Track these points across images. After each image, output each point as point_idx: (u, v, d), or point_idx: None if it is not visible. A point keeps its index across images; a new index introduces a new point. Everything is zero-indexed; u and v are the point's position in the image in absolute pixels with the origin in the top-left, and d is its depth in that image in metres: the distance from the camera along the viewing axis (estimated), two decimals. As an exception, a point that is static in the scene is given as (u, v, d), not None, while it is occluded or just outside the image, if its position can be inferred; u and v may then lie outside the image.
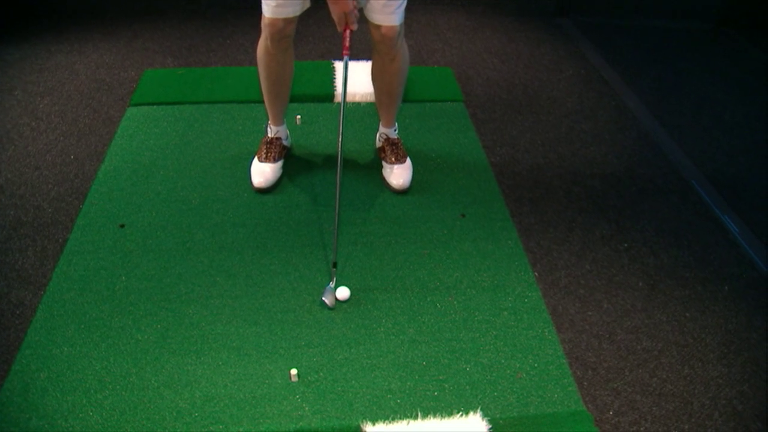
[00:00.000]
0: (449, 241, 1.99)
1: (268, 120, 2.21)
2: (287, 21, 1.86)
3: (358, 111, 2.59)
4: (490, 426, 1.47)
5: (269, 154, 2.17)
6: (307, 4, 1.89)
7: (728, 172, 2.43)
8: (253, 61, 2.96)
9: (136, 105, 2.58)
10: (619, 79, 3.01)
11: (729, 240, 2.10)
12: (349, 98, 2.65)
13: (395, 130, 2.24)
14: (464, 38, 3.29)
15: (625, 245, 2.04)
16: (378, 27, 1.90)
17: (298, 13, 1.87)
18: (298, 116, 2.50)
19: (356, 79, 2.70)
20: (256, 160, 2.19)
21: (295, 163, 2.29)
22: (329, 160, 2.32)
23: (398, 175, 2.17)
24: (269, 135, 2.20)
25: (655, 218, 2.16)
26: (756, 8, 3.57)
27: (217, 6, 3.50)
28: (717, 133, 2.67)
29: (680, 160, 2.46)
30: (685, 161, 2.46)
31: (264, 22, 1.88)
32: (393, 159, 2.19)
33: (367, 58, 2.79)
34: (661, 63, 3.24)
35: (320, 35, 3.20)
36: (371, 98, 2.60)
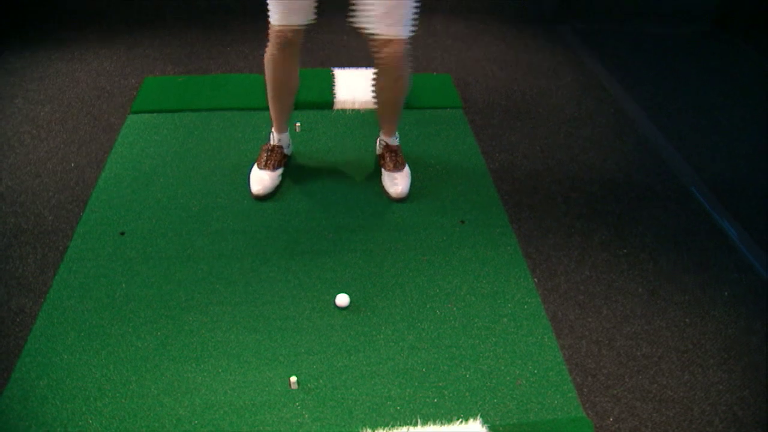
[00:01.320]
0: (448, 248, 1.99)
1: (271, 127, 2.21)
2: (294, 30, 1.86)
3: (358, 118, 2.60)
4: (490, 433, 1.47)
5: (269, 162, 2.18)
6: (312, 17, 1.86)
7: (727, 177, 2.43)
8: (253, 69, 2.98)
9: (136, 112, 2.58)
10: (618, 85, 3.02)
11: (728, 245, 2.10)
12: (348, 105, 2.66)
13: (396, 138, 2.25)
14: (463, 45, 3.30)
15: (624, 251, 2.04)
16: (381, 41, 1.80)
17: (304, 24, 1.86)
18: (298, 123, 2.51)
19: (356, 86, 2.71)
20: (255, 167, 2.20)
21: (294, 170, 2.29)
22: (328, 168, 2.32)
23: (396, 182, 2.17)
24: (271, 143, 2.21)
25: (654, 224, 2.17)
26: (751, 11, 3.58)
27: (217, 13, 3.52)
28: (716, 137, 2.68)
29: (679, 165, 2.47)
30: (684, 166, 2.46)
31: (271, 31, 1.88)
32: (391, 166, 2.19)
33: (366, 66, 2.81)
34: (659, 68, 3.25)
35: (320, 42, 3.21)
36: (371, 105, 2.61)
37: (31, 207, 2.10)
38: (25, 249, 1.94)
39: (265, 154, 2.19)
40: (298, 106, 2.53)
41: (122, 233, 1.99)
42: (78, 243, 1.95)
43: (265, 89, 2.11)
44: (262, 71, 2.92)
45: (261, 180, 2.15)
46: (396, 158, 2.21)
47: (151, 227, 2.02)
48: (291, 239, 2.00)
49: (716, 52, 3.50)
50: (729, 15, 3.66)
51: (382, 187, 2.21)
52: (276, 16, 1.84)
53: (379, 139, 2.28)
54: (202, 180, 2.23)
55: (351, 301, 1.79)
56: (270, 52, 1.97)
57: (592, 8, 3.71)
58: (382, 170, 2.23)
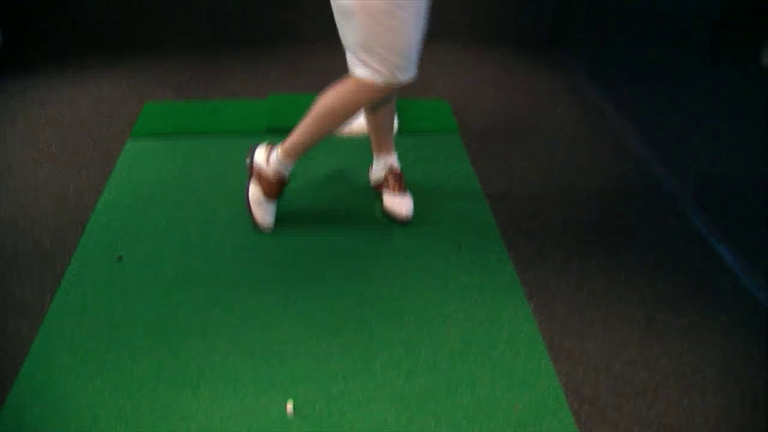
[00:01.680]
0: (445, 273, 1.99)
1: (275, 152, 2.07)
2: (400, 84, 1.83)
3: (353, 143, 2.62)
4: (487, 460, 1.46)
5: (277, 192, 2.09)
6: None
7: (725, 201, 2.44)
8: (251, 93, 3.01)
9: (136, 137, 2.61)
10: (615, 110, 3.04)
11: (726, 270, 2.10)
12: (345, 130, 2.67)
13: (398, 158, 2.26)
14: (460, 70, 3.34)
15: (622, 276, 2.05)
16: None
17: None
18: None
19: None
20: (262, 197, 2.09)
21: (292, 195, 2.30)
22: (324, 193, 2.33)
23: (403, 204, 2.18)
24: (282, 172, 2.07)
25: (652, 249, 2.17)
26: (747, 33, 3.63)
27: (217, 39, 3.56)
28: (714, 161, 2.69)
29: (676, 189, 2.48)
30: (682, 190, 2.47)
31: (372, 88, 1.82)
32: (397, 189, 2.20)
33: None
34: (656, 92, 3.29)
35: (322, 68, 3.25)
36: (364, 129, 2.63)
37: (29, 231, 2.11)
38: (23, 273, 1.94)
39: (277, 184, 2.08)
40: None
41: (120, 257, 2.00)
42: (76, 267, 1.95)
43: (307, 122, 1.99)
44: (261, 96, 2.98)
45: (269, 211, 2.10)
46: (400, 181, 2.22)
47: (149, 252, 2.02)
48: (288, 264, 2.00)
49: (713, 75, 3.54)
50: (725, 39, 3.70)
51: (385, 210, 2.22)
52: (391, 74, 1.78)
53: (382, 164, 2.26)
54: (201, 205, 2.24)
55: (349, 327, 1.78)
56: (358, 101, 1.89)
57: (589, 33, 3.76)
58: (386, 194, 2.22)
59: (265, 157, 2.08)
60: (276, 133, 2.65)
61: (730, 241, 2.22)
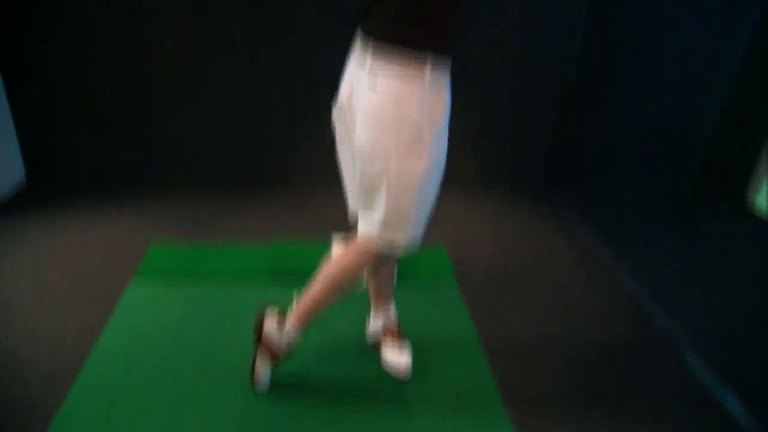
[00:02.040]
0: None
1: (288, 324, 2.00)
2: None
3: (348, 298, 2.62)
4: None
5: (284, 358, 2.05)
6: None
7: (726, 346, 2.41)
8: (254, 232, 3.09)
9: (139, 279, 2.65)
10: (610, 253, 3.09)
11: (731, 420, 2.03)
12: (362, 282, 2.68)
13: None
14: (456, 217, 3.44)
15: (622, 429, 1.99)
16: None
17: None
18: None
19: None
20: (269, 365, 2.04)
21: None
22: (323, 353, 2.30)
23: (403, 358, 2.17)
24: (294, 342, 2.03)
25: (653, 401, 2.12)
26: (730, 177, 3.79)
27: (223, 181, 3.72)
28: (712, 306, 2.70)
29: (676, 336, 2.46)
30: (682, 337, 2.45)
31: (379, 251, 1.84)
32: (396, 343, 2.21)
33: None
34: (650, 235, 3.37)
35: (321, 210, 3.36)
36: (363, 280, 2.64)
37: (20, 375, 2.08)
38: (8, 422, 1.89)
39: (284, 353, 2.03)
40: (297, 274, 2.43)
41: (110, 408, 1.95)
42: (65, 414, 1.90)
43: (316, 289, 1.95)
44: (263, 235, 3.06)
45: (268, 371, 2.06)
46: (399, 335, 2.23)
47: (141, 405, 1.98)
48: (282, 426, 1.95)
49: (705, 218, 3.65)
50: (712, 181, 3.85)
51: (385, 364, 2.19)
52: (409, 238, 1.79)
53: (380, 320, 2.26)
54: (198, 354, 2.22)
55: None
56: (365, 263, 1.89)
57: (582, 177, 3.90)
58: (385, 348, 2.22)
59: (278, 330, 2.00)
60: (277, 276, 2.70)
61: (736, 393, 2.16)
